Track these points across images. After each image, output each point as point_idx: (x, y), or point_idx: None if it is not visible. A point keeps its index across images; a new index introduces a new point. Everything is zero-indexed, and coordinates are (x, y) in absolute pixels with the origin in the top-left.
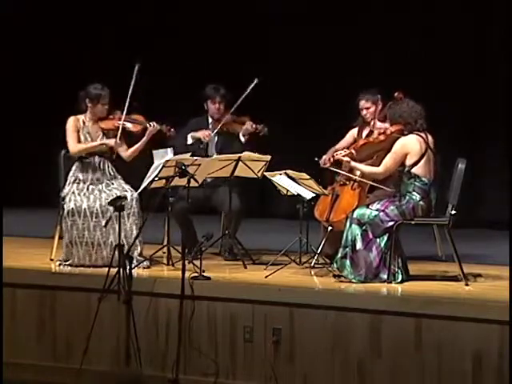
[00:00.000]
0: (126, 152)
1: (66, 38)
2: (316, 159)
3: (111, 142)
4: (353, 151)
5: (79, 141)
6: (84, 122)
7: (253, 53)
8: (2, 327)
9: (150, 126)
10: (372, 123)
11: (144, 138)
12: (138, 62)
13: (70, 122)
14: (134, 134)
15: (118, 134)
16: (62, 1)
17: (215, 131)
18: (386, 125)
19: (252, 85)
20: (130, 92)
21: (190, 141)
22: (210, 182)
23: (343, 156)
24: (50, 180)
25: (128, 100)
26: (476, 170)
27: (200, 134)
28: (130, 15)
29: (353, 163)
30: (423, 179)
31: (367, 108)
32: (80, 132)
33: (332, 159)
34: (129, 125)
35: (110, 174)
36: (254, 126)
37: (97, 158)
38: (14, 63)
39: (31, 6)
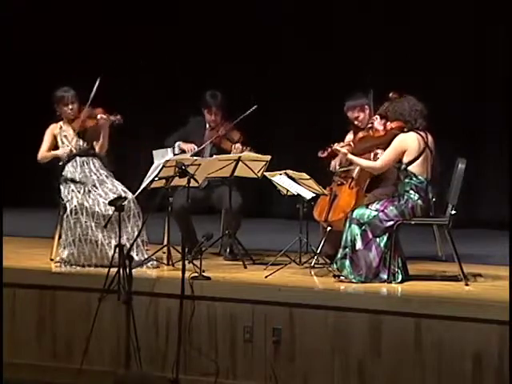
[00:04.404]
0: (97, 147)
1: (68, 35)
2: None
3: (59, 152)
4: (351, 144)
5: (56, 146)
6: (61, 127)
7: (255, 56)
8: (1, 327)
9: (99, 118)
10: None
11: (102, 132)
12: (100, 76)
13: (49, 129)
14: (98, 128)
15: (75, 139)
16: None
17: (206, 144)
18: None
19: (250, 110)
20: (90, 99)
21: (176, 150)
22: (210, 182)
23: (341, 147)
24: (50, 180)
25: (89, 103)
26: (476, 170)
27: (186, 147)
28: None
29: (350, 156)
30: (420, 177)
31: (356, 117)
32: (58, 137)
33: (330, 150)
34: (89, 122)
35: (98, 173)
36: (241, 149)
37: (78, 159)
38: (12, 63)
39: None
